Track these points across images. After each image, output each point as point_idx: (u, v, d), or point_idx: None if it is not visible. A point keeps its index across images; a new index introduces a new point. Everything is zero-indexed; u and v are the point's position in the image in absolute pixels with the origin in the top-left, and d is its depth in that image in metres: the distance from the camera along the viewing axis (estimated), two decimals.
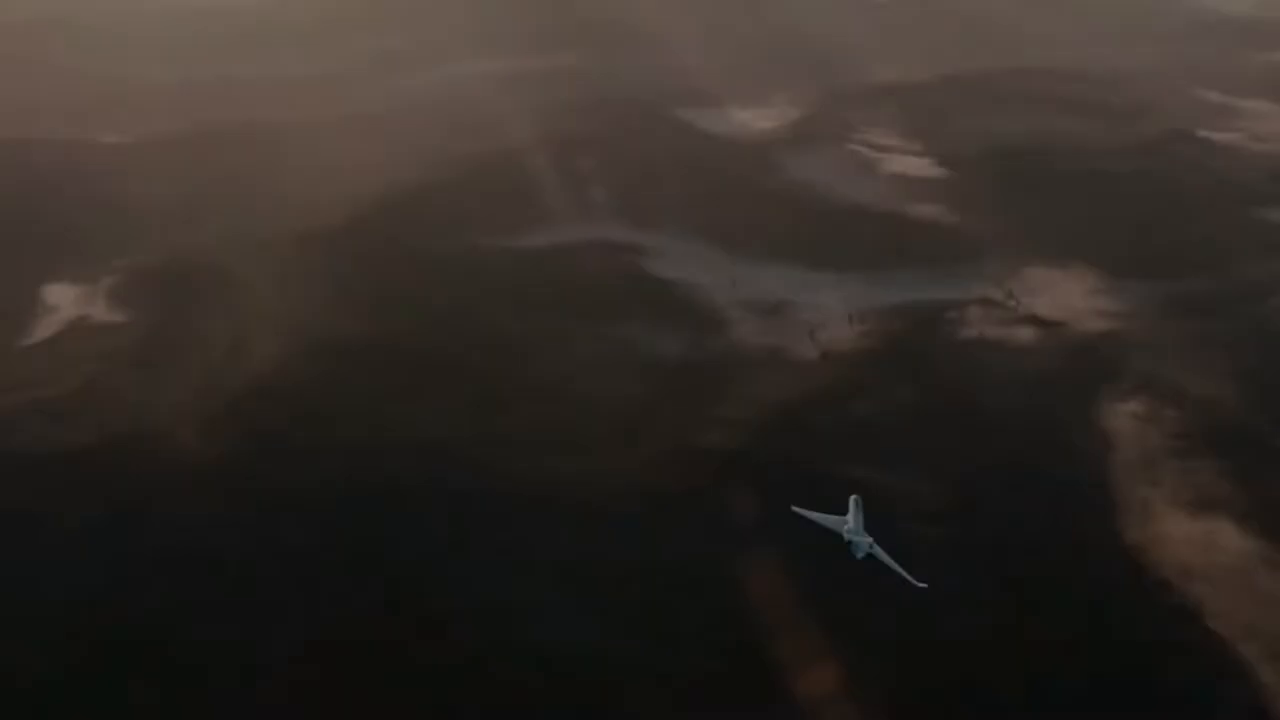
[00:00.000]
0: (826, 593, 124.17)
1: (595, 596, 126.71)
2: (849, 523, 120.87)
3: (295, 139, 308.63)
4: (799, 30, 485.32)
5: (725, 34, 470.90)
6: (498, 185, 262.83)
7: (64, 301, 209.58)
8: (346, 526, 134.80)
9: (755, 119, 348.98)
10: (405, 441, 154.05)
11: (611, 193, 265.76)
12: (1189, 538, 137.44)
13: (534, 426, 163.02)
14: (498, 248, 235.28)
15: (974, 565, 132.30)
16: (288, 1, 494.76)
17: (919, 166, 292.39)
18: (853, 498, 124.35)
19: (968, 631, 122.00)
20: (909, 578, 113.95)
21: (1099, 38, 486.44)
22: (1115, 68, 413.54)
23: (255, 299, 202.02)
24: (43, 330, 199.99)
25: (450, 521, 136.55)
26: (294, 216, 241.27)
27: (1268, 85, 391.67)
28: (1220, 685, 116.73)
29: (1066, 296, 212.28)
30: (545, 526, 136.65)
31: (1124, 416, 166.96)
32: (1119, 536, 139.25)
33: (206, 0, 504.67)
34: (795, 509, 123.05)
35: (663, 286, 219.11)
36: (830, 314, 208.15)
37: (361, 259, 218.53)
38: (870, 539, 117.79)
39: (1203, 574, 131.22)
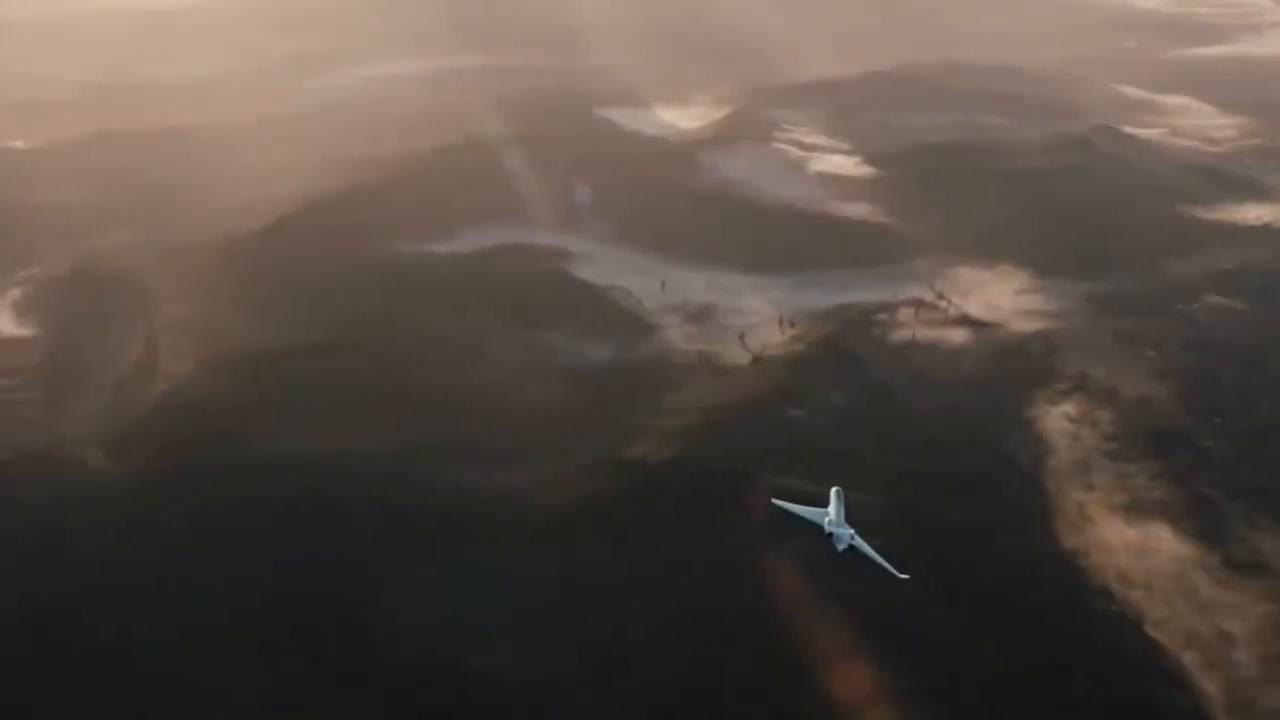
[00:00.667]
0: (767, 605, 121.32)
1: (529, 613, 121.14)
2: (830, 515, 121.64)
3: (212, 141, 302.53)
4: (725, 27, 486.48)
5: (651, 32, 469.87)
6: (420, 187, 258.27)
7: None
8: (267, 545, 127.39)
9: (681, 118, 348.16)
10: (329, 457, 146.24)
11: (537, 195, 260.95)
12: (1126, 543, 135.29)
13: (462, 438, 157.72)
14: (422, 253, 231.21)
15: (915, 575, 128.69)
16: (210, 2, 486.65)
17: (847, 165, 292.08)
18: (834, 490, 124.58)
19: (912, 643, 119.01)
20: (890, 568, 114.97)
21: (1023, 33, 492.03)
22: (1040, 63, 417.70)
23: (169, 309, 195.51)
24: None
25: (378, 538, 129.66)
26: (210, 222, 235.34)
27: (1186, 80, 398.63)
28: (1161, 694, 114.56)
29: (996, 296, 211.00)
30: (477, 542, 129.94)
31: (1058, 419, 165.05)
32: (1057, 543, 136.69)
33: (124, 0, 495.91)
34: (775, 501, 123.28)
35: (590, 291, 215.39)
36: (761, 317, 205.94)
37: (280, 266, 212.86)
38: (852, 531, 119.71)
39: (1141, 580, 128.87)
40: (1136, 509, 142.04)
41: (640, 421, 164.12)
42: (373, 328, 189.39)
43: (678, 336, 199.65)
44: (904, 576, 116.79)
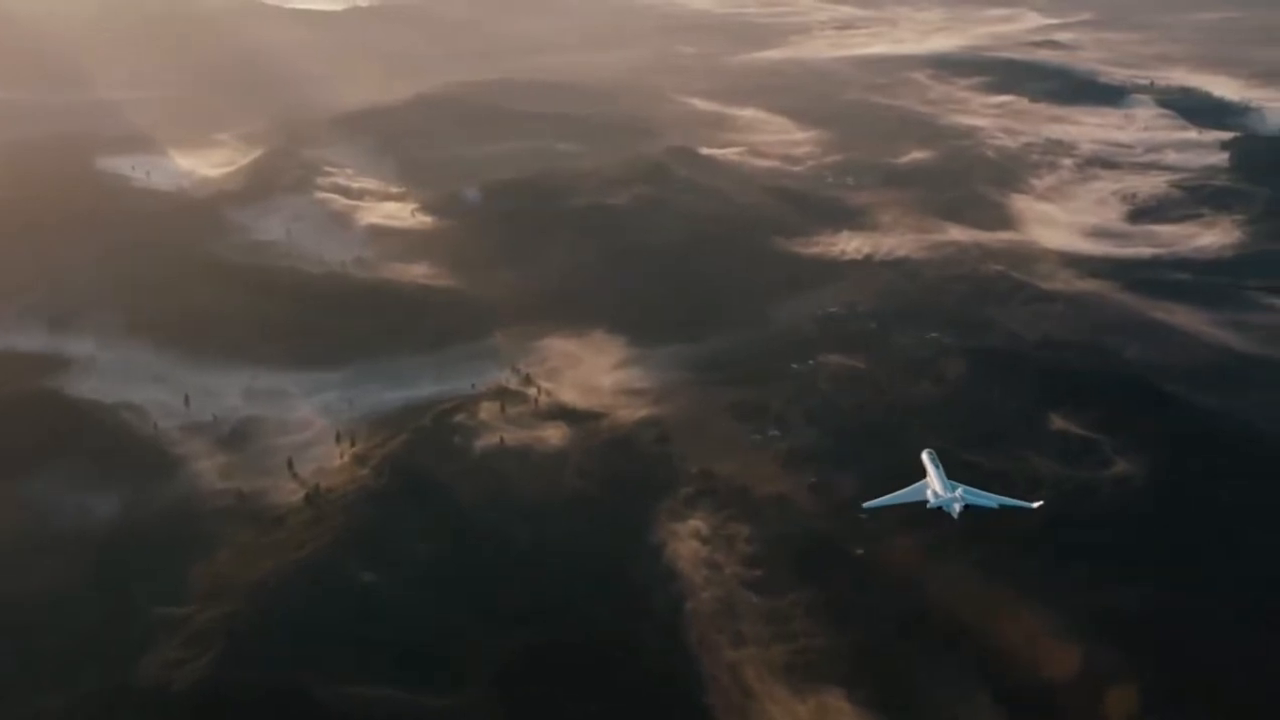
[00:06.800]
0: None
1: None
2: (930, 485, 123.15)
3: None
4: (251, 48, 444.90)
5: (164, 56, 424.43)
6: None
7: None
8: None
9: (204, 164, 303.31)
10: None
11: (17, 282, 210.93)
12: None
13: None
14: None
15: None
16: None
17: (402, 214, 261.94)
18: (925, 453, 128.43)
19: None
20: (1021, 503, 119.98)
21: (576, 39, 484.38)
22: (604, 75, 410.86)
23: None
24: None
25: None
26: None
27: (753, 89, 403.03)
28: None
29: (592, 374, 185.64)
30: None
31: (688, 540, 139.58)
32: None
33: None
34: (866, 505, 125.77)
35: (92, 414, 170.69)
36: (314, 431, 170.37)
37: None
38: (959, 489, 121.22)
39: None
40: (801, 670, 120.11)
41: (161, 613, 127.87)
42: None
43: (209, 470, 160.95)
44: (1036, 504, 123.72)
